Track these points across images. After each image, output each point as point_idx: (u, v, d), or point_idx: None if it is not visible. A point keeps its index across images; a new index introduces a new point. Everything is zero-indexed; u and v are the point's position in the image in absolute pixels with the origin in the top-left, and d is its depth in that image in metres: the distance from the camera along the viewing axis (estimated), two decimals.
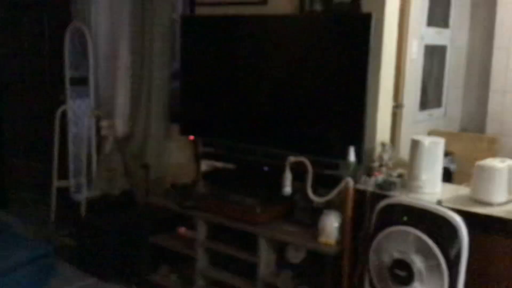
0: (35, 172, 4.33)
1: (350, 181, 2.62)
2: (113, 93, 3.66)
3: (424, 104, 3.79)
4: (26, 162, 4.49)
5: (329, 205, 2.78)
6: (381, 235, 2.38)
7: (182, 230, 3.25)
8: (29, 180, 4.48)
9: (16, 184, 4.62)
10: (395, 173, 2.72)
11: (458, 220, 2.21)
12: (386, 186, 2.58)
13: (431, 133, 3.73)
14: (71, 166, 3.94)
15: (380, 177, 2.66)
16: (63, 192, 3.99)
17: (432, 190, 2.52)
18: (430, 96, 3.89)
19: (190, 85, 3.38)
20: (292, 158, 2.77)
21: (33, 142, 4.40)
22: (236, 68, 3.18)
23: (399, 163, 2.82)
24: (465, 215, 2.24)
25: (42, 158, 4.15)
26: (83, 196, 3.75)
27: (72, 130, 3.88)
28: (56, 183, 3.95)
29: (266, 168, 3.11)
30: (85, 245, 3.59)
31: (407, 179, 2.63)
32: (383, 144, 2.82)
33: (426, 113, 3.81)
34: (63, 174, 3.99)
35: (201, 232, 3.07)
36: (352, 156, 2.68)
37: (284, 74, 3.01)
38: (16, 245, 2.90)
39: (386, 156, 2.80)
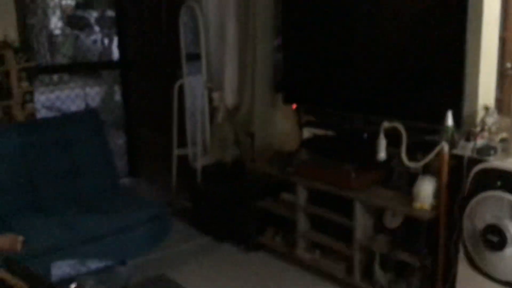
0: (159, 142, 4.74)
1: (445, 146, 2.58)
2: (222, 66, 3.88)
3: None
4: (151, 133, 4.94)
5: (427, 171, 2.75)
6: (474, 200, 2.34)
7: (285, 195, 3.41)
8: (154, 149, 4.93)
9: (144, 154, 5.11)
10: (497, 138, 2.61)
11: None
12: (485, 151, 2.49)
13: None
14: (189, 136, 4.26)
15: (480, 141, 2.57)
16: (183, 160, 4.34)
17: None
18: None
19: (292, 55, 3.50)
20: (386, 124, 2.78)
21: (156, 115, 4.82)
22: (335, 37, 3.22)
23: (508, 128, 2.70)
24: None
25: (164, 129, 4.52)
26: (198, 163, 4.06)
27: (188, 102, 4.19)
28: (176, 151, 4.31)
29: (365, 135, 3.13)
30: (200, 208, 3.91)
31: (509, 143, 2.51)
32: (486, 108, 2.71)
33: None
34: (183, 143, 4.33)
35: (301, 197, 3.20)
36: (449, 121, 2.62)
37: (382, 39, 3.00)
38: (136, 206, 3.27)
39: (489, 121, 2.68)
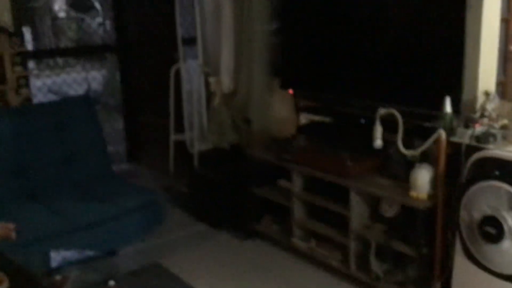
0: (158, 127, 4.68)
1: (442, 133, 2.48)
2: (219, 50, 3.78)
3: None
4: (149, 118, 4.87)
5: (425, 158, 2.66)
6: (472, 190, 2.25)
7: (282, 182, 3.34)
8: (153, 134, 4.86)
9: (143, 139, 5.05)
10: (498, 125, 2.51)
11: None
12: (484, 138, 2.39)
13: None
14: (186, 121, 4.20)
15: (479, 128, 2.48)
16: (182, 145, 4.28)
17: None
18: None
19: (288, 39, 3.40)
20: (382, 110, 2.69)
21: (154, 99, 4.74)
22: (333, 20, 3.13)
23: (509, 114, 2.60)
24: None
25: (162, 114, 4.46)
26: (195, 149, 4.00)
27: (185, 87, 4.12)
28: (173, 137, 4.25)
29: (362, 121, 3.04)
30: (197, 195, 3.85)
31: (510, 130, 2.42)
32: (486, 93, 2.61)
33: None
34: (181, 128, 4.27)
35: (297, 184, 3.13)
36: (448, 107, 2.52)
37: (381, 23, 2.90)
38: (129, 193, 3.21)
39: (490, 106, 2.58)
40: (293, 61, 3.40)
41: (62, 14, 7.46)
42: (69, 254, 2.84)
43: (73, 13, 7.67)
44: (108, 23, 7.23)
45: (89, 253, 2.83)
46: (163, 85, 4.31)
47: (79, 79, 5.65)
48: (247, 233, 3.52)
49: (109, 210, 3.01)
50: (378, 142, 2.71)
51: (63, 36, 7.11)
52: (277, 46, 3.50)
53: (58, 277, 2.23)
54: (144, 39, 4.69)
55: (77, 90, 5.36)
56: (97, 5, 7.84)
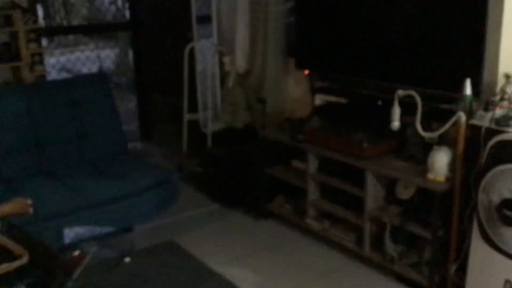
0: (171, 106, 4.68)
1: (462, 116, 2.46)
2: (234, 29, 3.75)
3: None
4: (162, 97, 4.87)
5: (443, 141, 2.65)
6: (491, 173, 2.24)
7: (296, 162, 3.34)
8: (166, 113, 4.87)
9: (156, 118, 5.06)
10: None
11: None
12: (504, 121, 2.36)
13: None
14: (200, 101, 4.19)
15: (499, 111, 2.45)
16: (195, 125, 4.28)
17: None
18: None
19: (305, 19, 3.36)
20: (401, 92, 2.66)
21: (167, 78, 4.73)
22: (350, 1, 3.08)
23: None
24: None
25: (176, 93, 4.45)
26: (209, 128, 3.99)
27: (199, 66, 4.10)
28: (186, 116, 4.24)
29: (379, 102, 3.02)
30: (210, 174, 3.85)
31: None
32: (507, 76, 2.57)
33: None
34: (194, 107, 4.26)
35: (312, 165, 3.13)
36: (468, 89, 2.50)
37: (399, 2, 2.85)
38: (144, 171, 3.22)
39: (510, 89, 2.55)
40: (309, 41, 3.37)
41: None
42: (85, 231, 2.87)
43: None
44: (120, 0, 7.19)
45: (104, 229, 2.85)
46: (176, 64, 4.30)
47: (92, 57, 5.65)
48: (260, 213, 3.53)
49: (125, 188, 3.03)
50: (396, 124, 2.68)
51: (75, 14, 7.08)
52: (293, 26, 3.47)
53: (76, 253, 2.25)
54: (157, 17, 4.66)
55: (90, 68, 5.36)
56: None
